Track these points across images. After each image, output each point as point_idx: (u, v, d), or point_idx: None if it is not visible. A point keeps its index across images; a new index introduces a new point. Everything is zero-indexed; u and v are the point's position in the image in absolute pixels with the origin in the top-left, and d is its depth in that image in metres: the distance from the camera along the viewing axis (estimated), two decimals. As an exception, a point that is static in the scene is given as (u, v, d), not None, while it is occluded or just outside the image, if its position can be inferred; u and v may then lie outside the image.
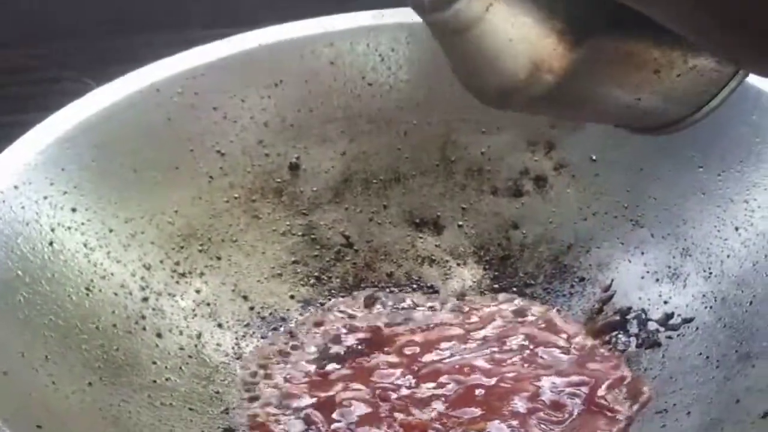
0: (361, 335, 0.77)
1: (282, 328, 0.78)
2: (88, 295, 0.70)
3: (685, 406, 0.66)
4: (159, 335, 0.73)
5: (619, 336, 0.75)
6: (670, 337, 0.73)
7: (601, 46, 0.42)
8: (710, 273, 0.72)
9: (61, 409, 0.63)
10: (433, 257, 0.82)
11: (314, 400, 0.72)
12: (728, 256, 0.72)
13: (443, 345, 0.77)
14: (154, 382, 0.70)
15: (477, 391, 0.71)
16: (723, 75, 0.45)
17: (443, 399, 0.71)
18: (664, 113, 0.46)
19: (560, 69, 0.41)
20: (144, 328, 0.72)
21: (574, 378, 0.72)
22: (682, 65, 0.43)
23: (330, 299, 0.80)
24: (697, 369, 0.69)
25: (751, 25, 0.33)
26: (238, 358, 0.75)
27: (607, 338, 0.75)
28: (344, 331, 0.78)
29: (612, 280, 0.78)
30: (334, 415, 0.70)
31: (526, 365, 0.74)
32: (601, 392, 0.70)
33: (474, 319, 0.79)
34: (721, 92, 0.45)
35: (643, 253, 0.77)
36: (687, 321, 0.72)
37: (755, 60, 0.36)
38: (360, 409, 0.70)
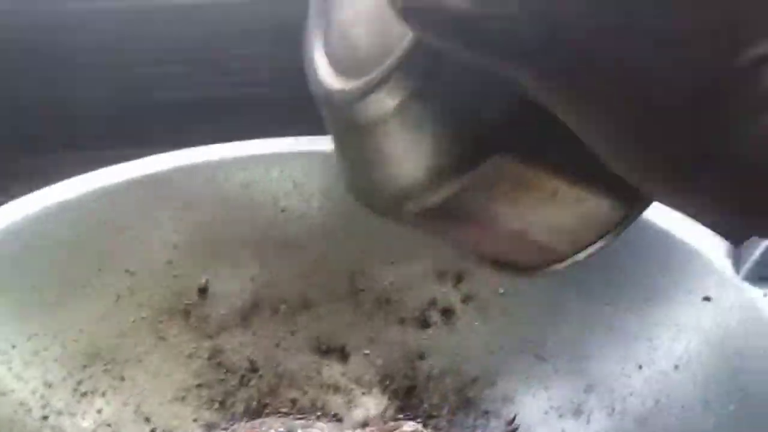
0: (263, 463, 0.77)
1: (183, 454, 0.77)
2: (-15, 411, 0.69)
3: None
4: None
5: (522, 470, 0.75)
6: (571, 471, 0.73)
7: (503, 165, 0.42)
8: (613, 410, 0.74)
9: None
10: (339, 385, 0.82)
11: None
12: (630, 394, 0.73)
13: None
14: (52, 503, 0.68)
15: None
16: (613, 217, 0.45)
17: None
18: (548, 249, 0.46)
19: (458, 180, 0.41)
20: (42, 447, 0.71)
21: None
22: (577, 200, 0.43)
23: (233, 424, 0.79)
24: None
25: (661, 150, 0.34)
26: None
27: (510, 473, 0.75)
28: (247, 458, 0.77)
29: (515, 415, 0.78)
30: None
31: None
32: None
33: (378, 447, 0.78)
34: (607, 235, 0.46)
35: (546, 388, 0.78)
36: (590, 459, 0.73)
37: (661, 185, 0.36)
38: None
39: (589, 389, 0.76)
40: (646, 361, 0.74)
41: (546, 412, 0.77)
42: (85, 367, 0.76)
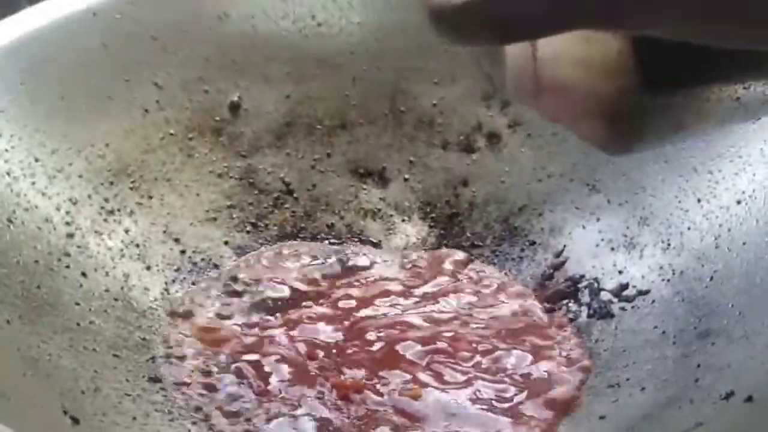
0: (297, 286, 0.73)
1: (214, 275, 0.74)
2: (9, 226, 0.65)
3: (638, 382, 0.63)
4: (84, 275, 0.68)
5: (570, 305, 0.72)
6: (623, 309, 0.69)
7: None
8: (669, 245, 0.69)
9: (-25, 347, 0.59)
10: (377, 211, 0.78)
11: (245, 353, 0.67)
12: (689, 228, 0.69)
13: (381, 301, 0.73)
14: (78, 324, 0.65)
15: (410, 352, 0.68)
16: None
17: (374, 358, 0.67)
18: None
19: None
20: (68, 266, 0.67)
21: (516, 346, 0.69)
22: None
23: (266, 247, 0.76)
24: (652, 344, 0.66)
25: None
26: (166, 304, 0.71)
27: (556, 306, 0.72)
28: (279, 281, 0.73)
29: (564, 246, 0.74)
30: (265, 369, 0.66)
31: (464, 327, 0.70)
32: (542, 364, 0.67)
33: (416, 276, 0.75)
34: None
35: (598, 220, 0.74)
36: (642, 293, 0.69)
37: None
38: (287, 366, 0.66)
39: (643, 222, 0.71)
40: (706, 195, 0.69)
41: (597, 245, 0.73)
42: (111, 184, 0.72)
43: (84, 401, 0.59)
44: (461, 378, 0.66)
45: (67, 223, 0.69)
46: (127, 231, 0.72)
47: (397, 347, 0.68)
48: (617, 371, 0.65)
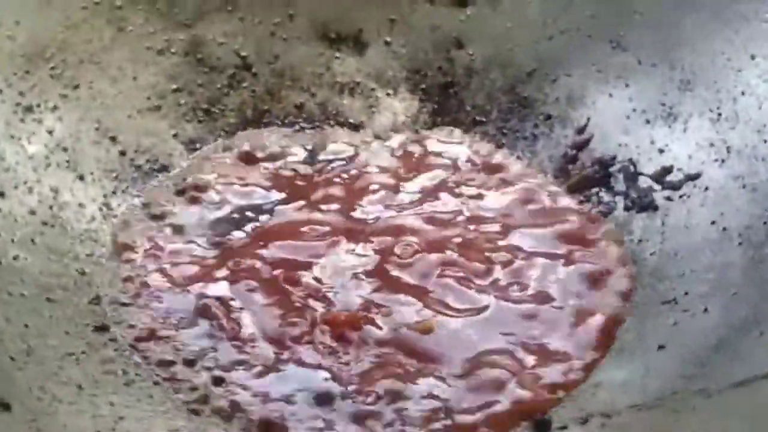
0: (265, 188, 0.61)
1: (163, 180, 0.62)
2: None
3: (700, 297, 0.52)
4: (1, 194, 0.56)
5: (601, 194, 0.61)
6: (669, 199, 0.59)
7: None
8: (719, 114, 0.58)
9: None
10: (355, 84, 0.68)
11: (210, 282, 0.55)
12: (743, 93, 0.58)
13: (368, 199, 0.61)
14: (-1, 262, 0.53)
15: (413, 269, 0.56)
16: None
17: (369, 281, 0.56)
18: None
19: None
20: (-20, 187, 0.56)
21: (538, 251, 0.57)
22: None
23: (223, 138, 0.65)
24: (712, 245, 0.55)
25: None
26: (107, 224, 0.59)
27: (584, 197, 0.61)
28: (244, 182, 0.61)
29: (588, 120, 0.63)
30: (237, 304, 0.54)
31: (474, 229, 0.59)
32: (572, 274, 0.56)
33: (408, 165, 0.64)
34: None
35: (627, 85, 0.63)
36: (691, 178, 0.58)
37: None
38: (263, 297, 0.54)
39: (684, 87, 0.60)
40: (762, 50, 0.57)
41: (628, 117, 0.62)
42: (27, 72, 0.61)
43: (14, 372, 0.48)
44: (479, 300, 0.54)
45: (-25, 130, 0.57)
46: (50, 132, 0.61)
47: (397, 263, 0.57)
48: (671, 282, 0.55)
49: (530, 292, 0.55)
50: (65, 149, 0.60)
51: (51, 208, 0.57)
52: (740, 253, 0.53)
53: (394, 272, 0.56)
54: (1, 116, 0.58)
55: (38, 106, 0.60)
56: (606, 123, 0.62)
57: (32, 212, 0.56)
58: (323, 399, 0.49)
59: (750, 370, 0.46)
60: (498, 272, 0.56)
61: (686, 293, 0.53)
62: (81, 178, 0.59)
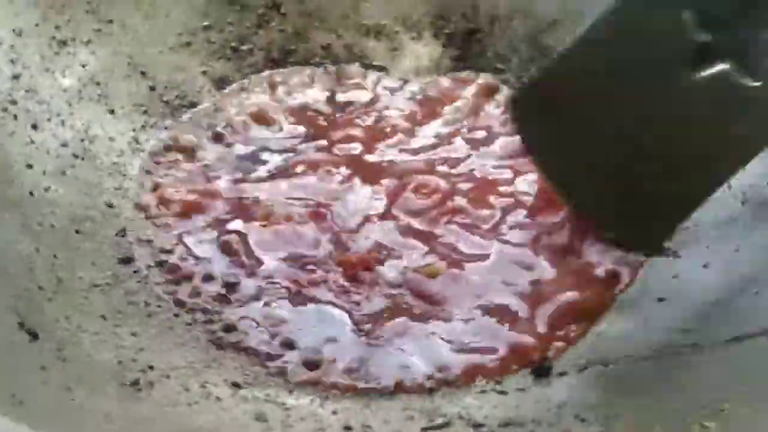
0: (289, 127, 0.62)
1: (192, 117, 0.63)
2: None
3: (702, 252, 0.53)
4: (35, 127, 0.57)
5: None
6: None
7: None
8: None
9: None
10: (381, 27, 0.68)
11: (231, 220, 0.57)
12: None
13: (386, 143, 0.62)
14: (31, 194, 0.54)
15: (422, 218, 0.58)
16: None
17: (380, 224, 0.57)
18: None
19: None
20: (15, 117, 0.57)
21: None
22: None
23: (250, 77, 0.65)
24: (715, 201, 0.54)
25: None
26: (136, 157, 0.60)
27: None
28: (271, 119, 0.63)
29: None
30: (256, 241, 0.56)
31: (488, 178, 0.60)
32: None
33: (428, 109, 0.65)
34: None
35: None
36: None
37: None
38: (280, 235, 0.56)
39: None
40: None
41: None
42: (63, 7, 0.61)
43: (43, 302, 0.49)
44: (485, 246, 0.56)
45: (12, 61, 0.58)
46: (84, 66, 0.62)
47: (407, 207, 0.58)
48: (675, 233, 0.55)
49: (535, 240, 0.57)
50: (98, 83, 0.61)
51: (82, 141, 0.58)
52: (743, 211, 0.54)
53: (404, 216, 0.57)
54: (36, 49, 0.59)
55: (73, 40, 0.61)
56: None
57: (64, 144, 0.57)
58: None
59: (743, 327, 0.47)
60: (506, 218, 0.57)
61: (689, 247, 0.54)
62: (112, 112, 0.61)
